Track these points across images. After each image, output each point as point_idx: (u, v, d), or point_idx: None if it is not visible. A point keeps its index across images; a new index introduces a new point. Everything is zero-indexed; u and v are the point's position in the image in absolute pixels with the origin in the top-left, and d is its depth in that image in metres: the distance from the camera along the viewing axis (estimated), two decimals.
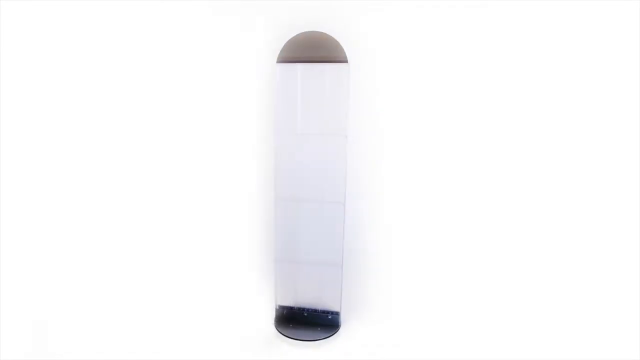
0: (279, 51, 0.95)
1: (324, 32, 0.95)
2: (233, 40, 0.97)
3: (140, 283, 0.99)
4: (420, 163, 1.03)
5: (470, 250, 1.04)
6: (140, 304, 0.99)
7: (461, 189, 1.02)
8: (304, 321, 1.07)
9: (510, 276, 1.02)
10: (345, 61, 0.96)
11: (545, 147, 0.97)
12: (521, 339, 1.00)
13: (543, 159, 0.98)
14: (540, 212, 1.00)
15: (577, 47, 0.92)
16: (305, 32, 0.95)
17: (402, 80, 1.00)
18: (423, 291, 1.08)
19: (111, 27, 0.89)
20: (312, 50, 0.96)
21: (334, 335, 1.04)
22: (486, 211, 1.02)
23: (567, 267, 0.99)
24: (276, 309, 1.06)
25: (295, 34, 0.95)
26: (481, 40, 0.95)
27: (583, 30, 0.91)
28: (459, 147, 1.01)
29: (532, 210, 1.00)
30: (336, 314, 1.07)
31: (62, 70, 0.87)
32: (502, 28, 0.94)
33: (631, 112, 0.92)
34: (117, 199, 0.95)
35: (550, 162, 0.97)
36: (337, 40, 0.96)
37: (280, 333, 1.03)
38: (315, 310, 1.08)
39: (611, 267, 0.96)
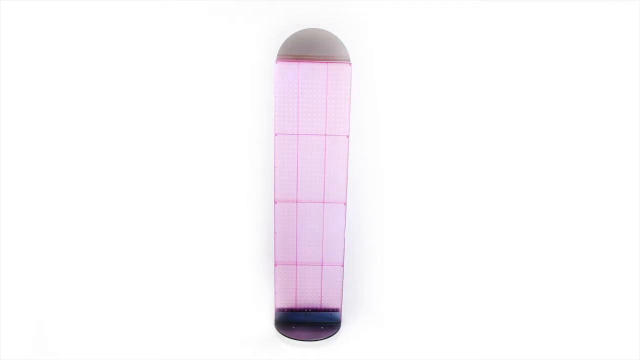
0: (279, 50, 0.94)
1: (327, 30, 0.95)
2: (232, 39, 0.97)
3: (139, 285, 0.99)
4: (422, 164, 1.02)
5: (471, 251, 1.04)
6: (139, 307, 0.99)
7: (463, 190, 1.02)
8: (305, 321, 1.07)
9: (511, 277, 1.02)
10: (348, 61, 0.96)
11: (547, 149, 0.97)
12: (521, 339, 1.00)
13: (545, 161, 0.98)
14: (543, 214, 1.00)
15: (578, 47, 0.92)
16: (308, 30, 0.94)
17: (405, 80, 0.99)
18: (424, 291, 1.08)
19: (110, 25, 0.88)
20: (314, 49, 0.95)
21: (334, 335, 1.04)
22: (487, 212, 1.02)
23: (569, 271, 0.99)
24: (276, 311, 1.06)
25: (296, 31, 0.94)
26: (484, 41, 0.94)
27: (583, 30, 0.91)
28: (462, 148, 1.00)
29: (533, 212, 1.00)
30: (336, 311, 1.09)
31: (59, 70, 0.86)
32: (506, 28, 0.93)
33: (630, 112, 0.92)
34: (114, 200, 0.95)
35: (552, 165, 0.97)
36: (340, 39, 0.95)
37: (281, 333, 1.03)
38: (316, 310, 1.08)
39: (608, 268, 0.97)
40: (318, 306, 1.09)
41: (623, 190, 0.94)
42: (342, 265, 1.06)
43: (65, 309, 0.93)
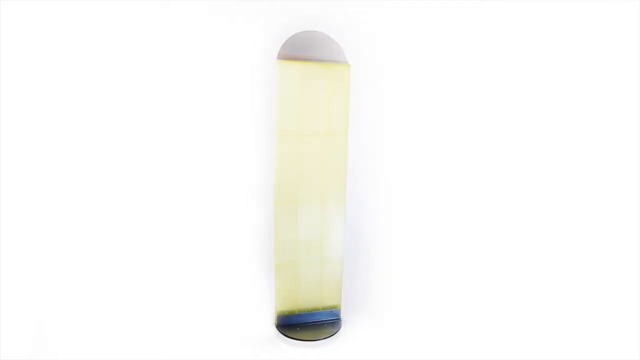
0: (278, 50, 0.94)
1: (325, 33, 0.95)
2: (232, 40, 0.97)
3: (139, 285, 0.99)
4: (422, 163, 1.03)
5: (471, 249, 1.04)
6: (139, 307, 0.99)
7: (463, 188, 1.02)
8: (305, 320, 1.07)
9: (511, 275, 1.02)
10: (347, 63, 0.96)
11: (546, 148, 0.97)
12: (522, 338, 1.00)
13: (544, 160, 0.98)
14: (541, 212, 1.00)
15: (578, 48, 0.92)
16: (306, 32, 0.95)
17: (404, 81, 1.00)
18: (424, 289, 1.08)
19: (108, 25, 0.88)
20: (313, 50, 0.95)
21: (334, 335, 1.04)
22: (487, 211, 1.02)
23: (570, 271, 0.99)
24: (277, 311, 1.06)
25: (295, 33, 0.95)
26: (484, 41, 0.94)
27: (584, 31, 0.91)
28: (461, 148, 1.01)
29: (532, 209, 1.00)
30: (336, 310, 1.09)
31: (57, 70, 0.86)
32: (506, 28, 0.94)
33: (631, 112, 0.92)
34: (113, 200, 0.95)
35: (550, 164, 0.98)
36: (338, 41, 0.96)
37: (282, 333, 1.03)
38: (316, 309, 1.08)
39: (611, 268, 0.97)
40: (318, 304, 1.09)
41: (626, 192, 0.95)
42: (342, 263, 1.07)
43: (65, 309, 0.93)
